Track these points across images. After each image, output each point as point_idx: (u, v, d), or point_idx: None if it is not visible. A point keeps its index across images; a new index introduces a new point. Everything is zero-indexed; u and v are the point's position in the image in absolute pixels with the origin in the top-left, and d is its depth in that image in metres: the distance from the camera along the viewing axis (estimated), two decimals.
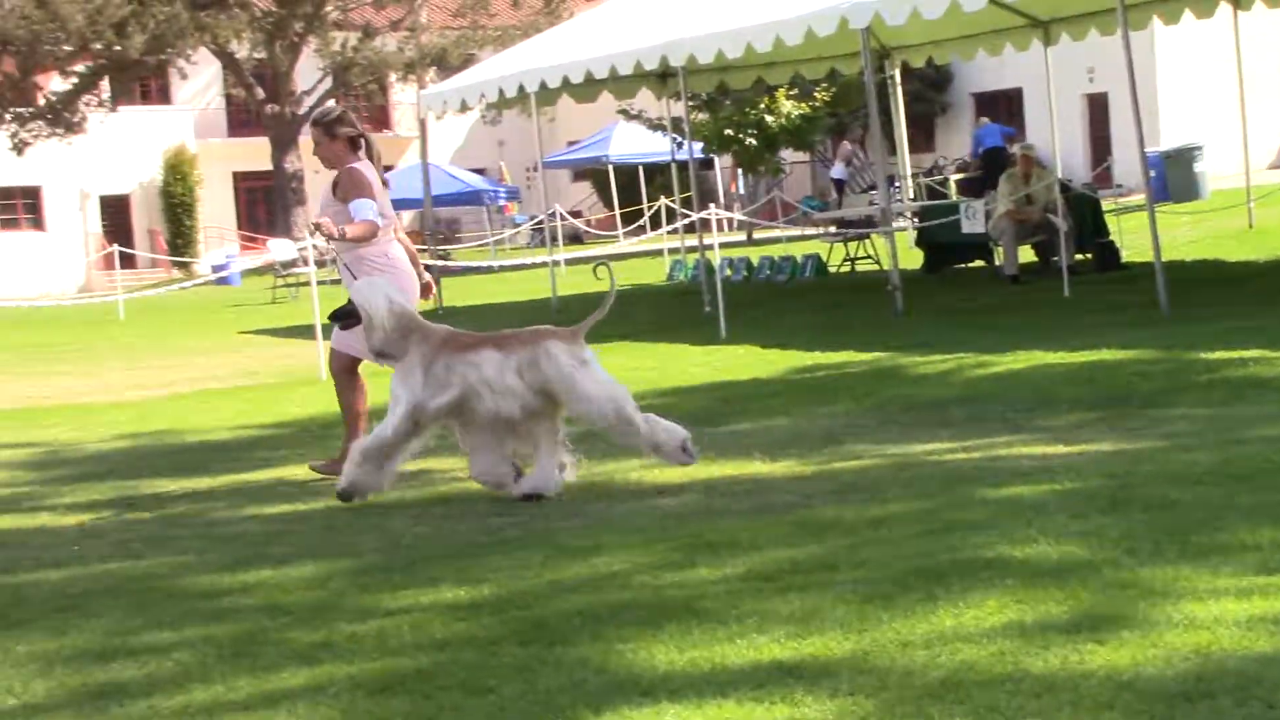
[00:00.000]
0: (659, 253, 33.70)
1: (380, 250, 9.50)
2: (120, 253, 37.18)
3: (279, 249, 36.67)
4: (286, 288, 34.14)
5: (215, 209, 55.63)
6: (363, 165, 9.52)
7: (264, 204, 56.56)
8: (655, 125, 40.38)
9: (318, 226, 9.26)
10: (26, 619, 6.58)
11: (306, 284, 26.31)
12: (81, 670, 5.77)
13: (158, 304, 34.49)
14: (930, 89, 47.80)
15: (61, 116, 47.12)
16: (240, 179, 57.94)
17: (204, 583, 7.07)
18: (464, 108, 24.59)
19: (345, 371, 9.88)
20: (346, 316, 9.01)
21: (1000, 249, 20.55)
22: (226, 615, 6.41)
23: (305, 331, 19.80)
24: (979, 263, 22.19)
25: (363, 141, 9.64)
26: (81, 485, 10.27)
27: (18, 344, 25.01)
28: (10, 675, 5.77)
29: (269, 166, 50.59)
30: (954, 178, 38.13)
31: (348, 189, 9.43)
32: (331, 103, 8.69)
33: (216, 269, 41.89)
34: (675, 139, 28.94)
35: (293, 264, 35.30)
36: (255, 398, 14.84)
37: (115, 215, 53.91)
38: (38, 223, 53.29)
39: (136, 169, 53.69)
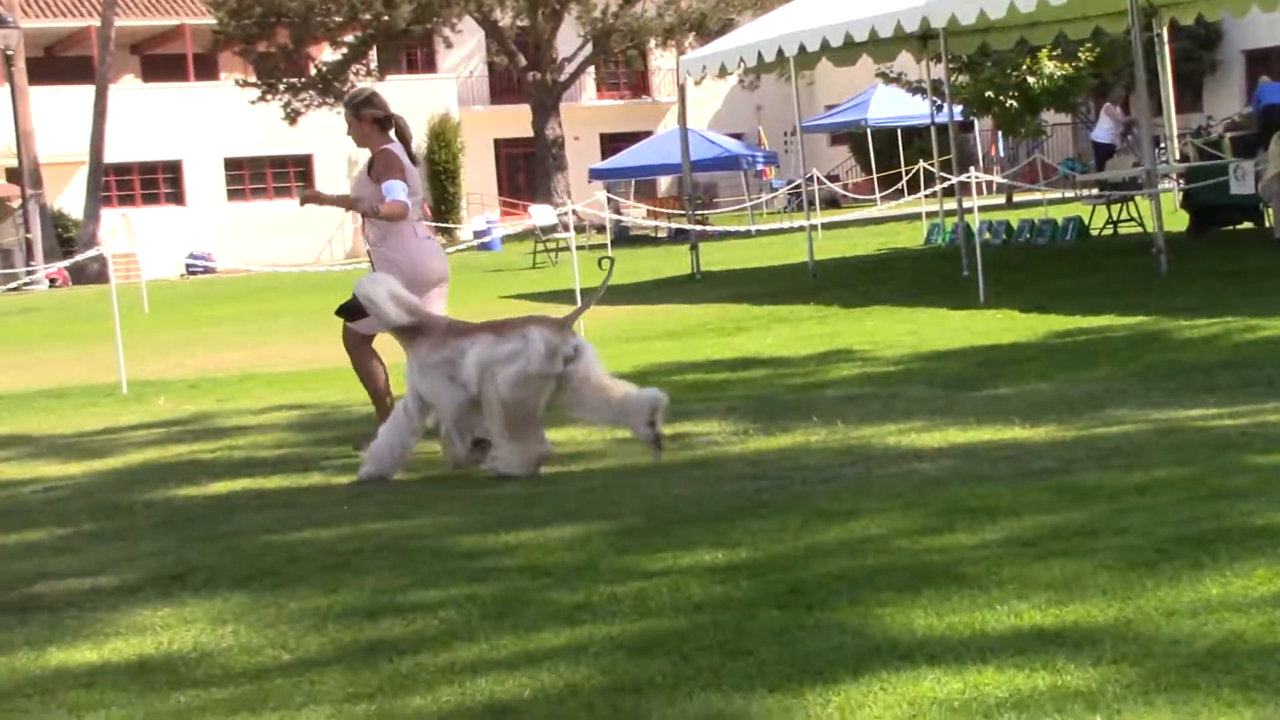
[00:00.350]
0: (917, 216, 33.38)
1: (409, 227, 9.74)
2: None
3: (539, 214, 37.12)
4: (547, 253, 34.55)
5: (477, 175, 56.51)
6: (395, 147, 9.78)
7: (525, 170, 57.30)
8: (915, 88, 39.95)
9: (355, 204, 9.61)
10: (299, 576, 6.77)
11: (566, 249, 26.60)
12: (351, 626, 5.92)
13: None
14: (1199, 47, 46.54)
15: (331, 86, 48.29)
16: (501, 146, 58.78)
17: (467, 543, 7.20)
18: (722, 72, 24.58)
19: (359, 345, 10.10)
20: (352, 311, 9.37)
21: (1270, 211, 19.94)
22: (489, 575, 6.53)
23: (565, 296, 20.02)
24: (1247, 225, 21.57)
25: (392, 123, 9.92)
26: (349, 447, 10.52)
27: (288, 309, 25.70)
28: (284, 631, 5.94)
29: (530, 133, 51.22)
30: (1228, 135, 37.09)
31: (381, 169, 9.69)
32: (364, 84, 9.09)
33: (478, 234, 42.54)
34: (935, 101, 28.61)
35: (553, 229, 35.73)
36: None
37: None
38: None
39: None
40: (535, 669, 5.21)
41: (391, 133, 9.92)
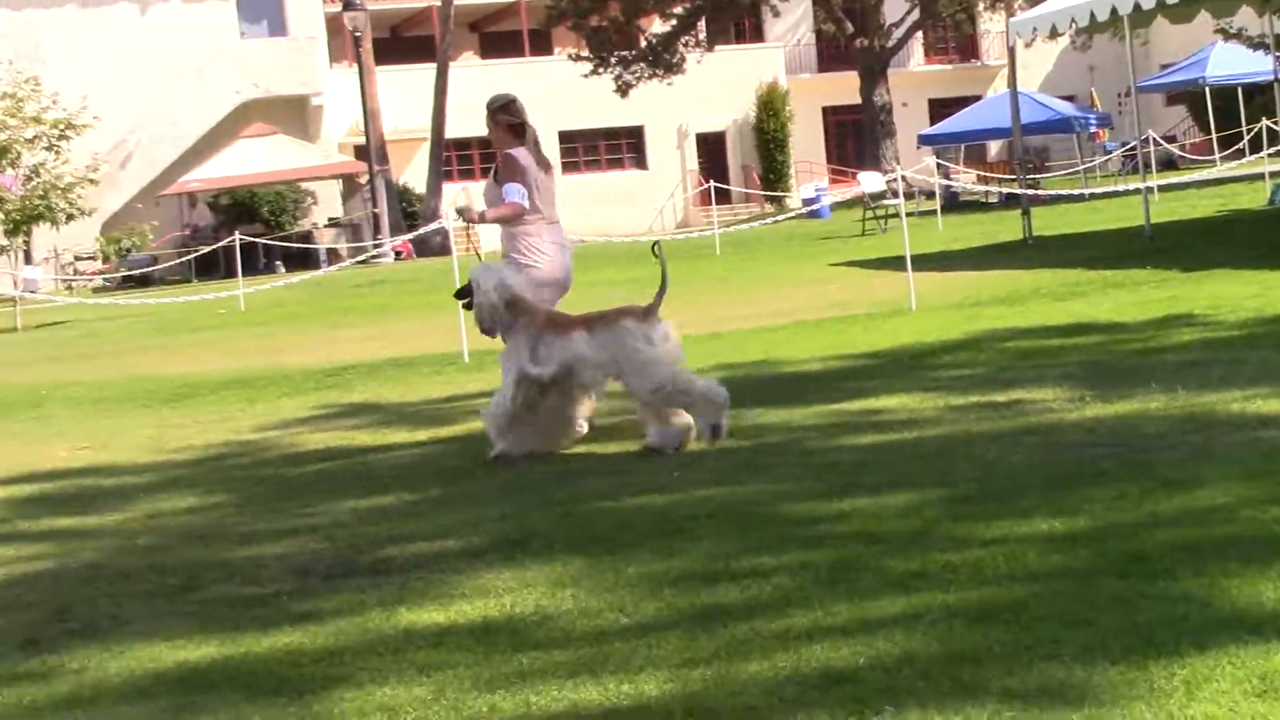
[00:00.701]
0: (1259, 177, 32.25)
1: (535, 229, 10.02)
2: (715, 188, 38.21)
3: (868, 181, 36.92)
4: (876, 220, 34.35)
5: (805, 143, 56.44)
6: (519, 151, 10.02)
7: (853, 138, 57.03)
8: (1256, 43, 38.54)
9: (461, 212, 10.04)
10: (634, 542, 6.88)
11: (896, 215, 26.41)
12: (687, 592, 6.00)
13: (751, 238, 35.28)
14: None
15: (661, 58, 48.76)
16: (829, 113, 58.59)
17: (801, 510, 7.23)
18: (1053, 34, 24.13)
19: None
20: (467, 294, 9.55)
21: None
22: (823, 542, 6.54)
23: (896, 263, 19.90)
24: None
25: (525, 129, 10.17)
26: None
27: (620, 279, 26.02)
28: (622, 595, 6.05)
29: (858, 100, 50.95)
30: None
31: (503, 173, 10.03)
32: (504, 91, 9.32)
33: (807, 202, 42.52)
34: (1278, 57, 27.59)
35: (882, 196, 35.50)
36: (846, 329, 15.01)
37: (711, 152, 55.39)
38: (640, 161, 55.31)
39: (731, 106, 54.98)
40: (870, 636, 5.21)
41: (526, 138, 10.21)
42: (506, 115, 10.25)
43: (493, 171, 10.34)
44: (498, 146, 10.32)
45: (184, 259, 37.73)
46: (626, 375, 9.21)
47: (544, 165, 10.24)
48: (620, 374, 9.25)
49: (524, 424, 9.34)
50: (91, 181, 27.51)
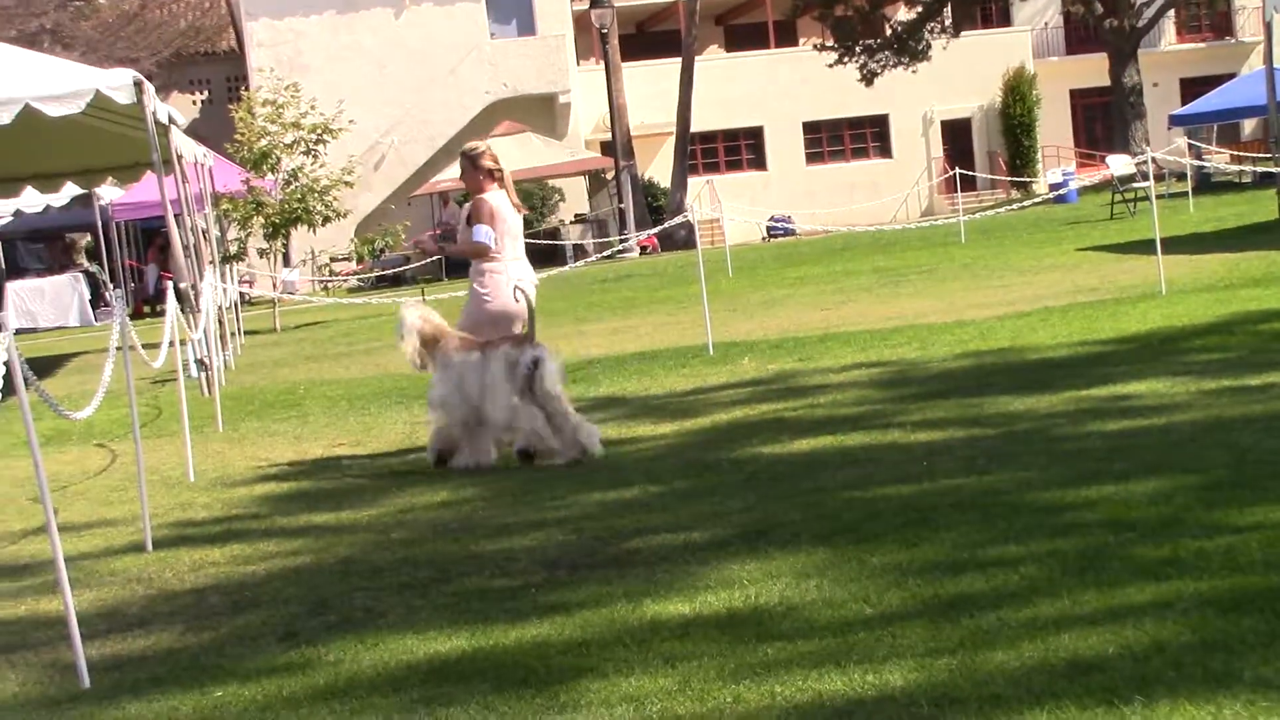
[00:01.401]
0: None
1: (500, 268, 10.74)
2: (960, 175, 37.82)
3: (1117, 164, 36.21)
4: (1125, 203, 33.69)
5: (1053, 128, 55.50)
6: (490, 196, 10.77)
7: (1101, 120, 55.94)
8: None
9: (418, 243, 11.08)
10: (880, 532, 6.87)
11: (1145, 198, 25.87)
12: (932, 582, 5.97)
13: (997, 224, 34.85)
14: None
15: (907, 45, 48.37)
16: (1077, 96, 57.53)
17: (1047, 498, 7.14)
18: None
19: None
20: None
21: None
22: (1070, 530, 6.46)
23: (1145, 247, 19.52)
24: None
25: (500, 174, 10.93)
26: (927, 403, 10.57)
27: (870, 268, 25.93)
28: (867, 585, 6.04)
29: (1106, 82, 49.96)
30: None
31: (474, 215, 10.80)
32: (478, 143, 10.32)
33: (1054, 187, 41.80)
34: None
35: (1131, 179, 34.81)
36: (1094, 314, 14.77)
37: (956, 139, 54.78)
38: (885, 150, 54.89)
39: (977, 92, 54.32)
40: (1120, 625, 5.14)
41: (497, 185, 10.93)
42: (486, 162, 10.98)
43: (466, 216, 11.07)
44: (471, 190, 11.05)
45: (434, 258, 38.45)
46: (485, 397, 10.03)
47: (517, 207, 11.00)
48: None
49: (475, 437, 10.15)
50: (347, 184, 28.13)
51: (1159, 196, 17.38)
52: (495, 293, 10.74)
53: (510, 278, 10.71)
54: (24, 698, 5.89)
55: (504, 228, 10.76)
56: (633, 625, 5.89)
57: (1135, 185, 33.99)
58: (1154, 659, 4.79)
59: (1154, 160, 28.26)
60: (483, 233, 10.68)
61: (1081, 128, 57.95)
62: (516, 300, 10.34)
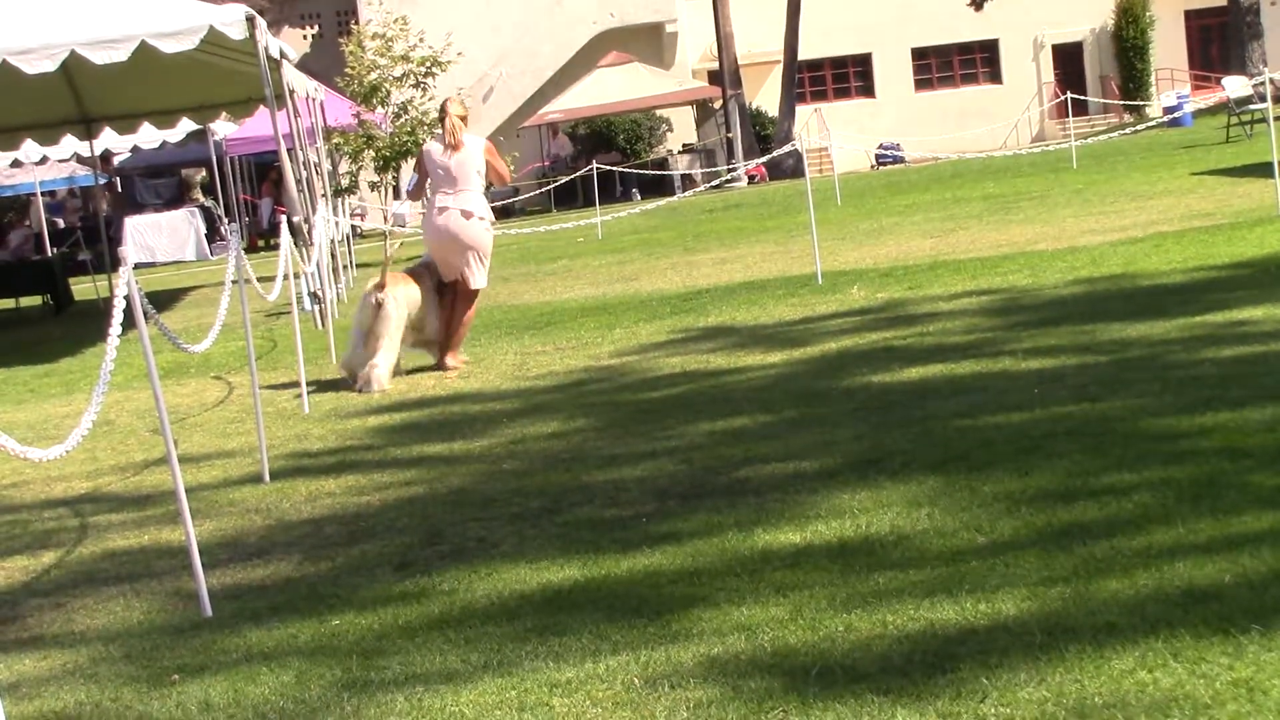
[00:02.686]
0: None
1: (428, 205, 12.39)
2: (1072, 100, 37.38)
3: (1233, 86, 35.60)
4: (1241, 126, 33.15)
5: (1166, 50, 54.62)
6: (426, 143, 12.60)
7: (1217, 42, 54.97)
8: None
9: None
10: (991, 461, 6.85)
11: (1262, 120, 25.44)
12: (1045, 510, 5.95)
13: (1109, 149, 34.41)
14: None
15: None
16: (1192, 17, 56.54)
17: (1161, 425, 7.09)
18: None
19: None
20: None
21: None
22: (1185, 458, 6.41)
23: (1262, 170, 19.21)
24: None
25: (441, 121, 12.56)
26: (1039, 330, 10.49)
27: (980, 195, 25.70)
28: (978, 514, 6.03)
29: (1223, 2, 49.09)
30: None
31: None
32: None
33: (1168, 111, 41.19)
34: None
35: (1248, 100, 34.23)
36: (1209, 239, 14.58)
37: (1068, 63, 54.07)
38: (995, 75, 54.28)
39: (1089, 15, 53.54)
40: (1236, 553, 5.10)
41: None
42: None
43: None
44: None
45: (543, 189, 38.50)
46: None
47: (450, 146, 12.17)
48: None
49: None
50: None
51: (1277, 119, 17.06)
52: (426, 226, 12.35)
53: (433, 210, 12.20)
54: (149, 625, 6.02)
55: (435, 169, 12.17)
56: (744, 555, 5.92)
57: (1252, 107, 33.40)
58: (1272, 588, 4.75)
59: (1271, 81, 27.76)
60: (407, 179, 11.90)
61: (1196, 49, 56.94)
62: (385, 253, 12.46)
